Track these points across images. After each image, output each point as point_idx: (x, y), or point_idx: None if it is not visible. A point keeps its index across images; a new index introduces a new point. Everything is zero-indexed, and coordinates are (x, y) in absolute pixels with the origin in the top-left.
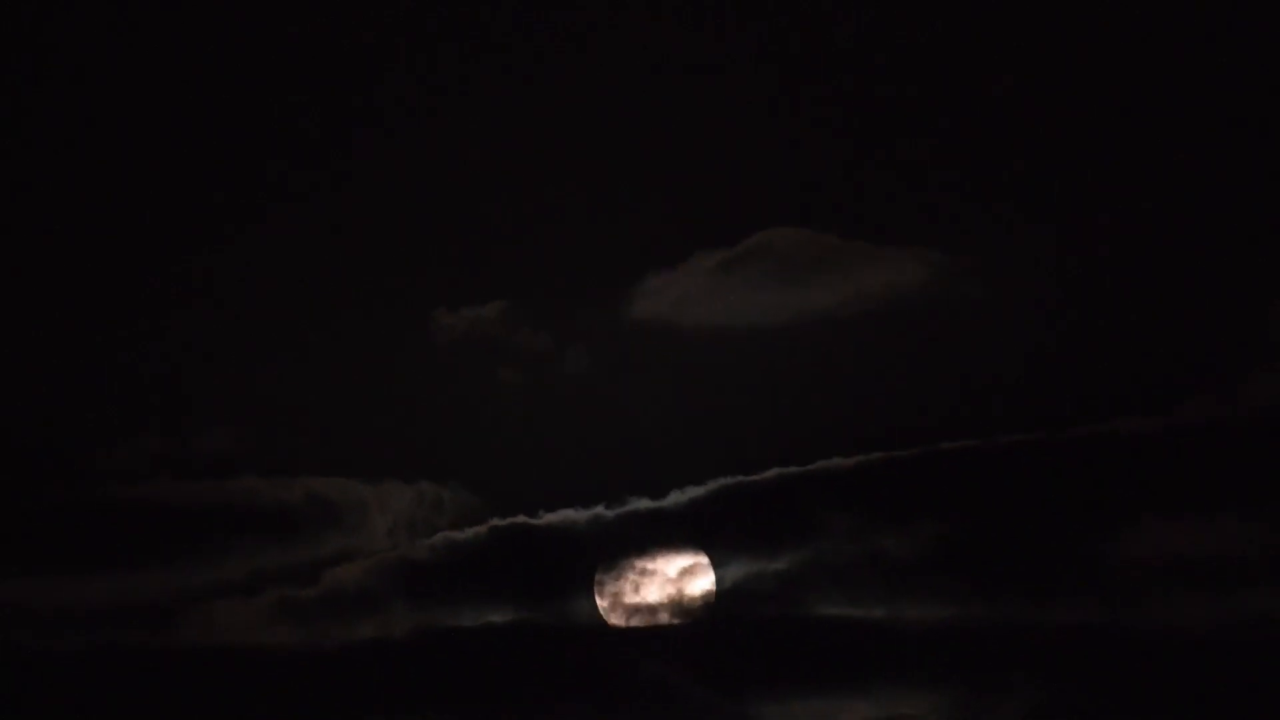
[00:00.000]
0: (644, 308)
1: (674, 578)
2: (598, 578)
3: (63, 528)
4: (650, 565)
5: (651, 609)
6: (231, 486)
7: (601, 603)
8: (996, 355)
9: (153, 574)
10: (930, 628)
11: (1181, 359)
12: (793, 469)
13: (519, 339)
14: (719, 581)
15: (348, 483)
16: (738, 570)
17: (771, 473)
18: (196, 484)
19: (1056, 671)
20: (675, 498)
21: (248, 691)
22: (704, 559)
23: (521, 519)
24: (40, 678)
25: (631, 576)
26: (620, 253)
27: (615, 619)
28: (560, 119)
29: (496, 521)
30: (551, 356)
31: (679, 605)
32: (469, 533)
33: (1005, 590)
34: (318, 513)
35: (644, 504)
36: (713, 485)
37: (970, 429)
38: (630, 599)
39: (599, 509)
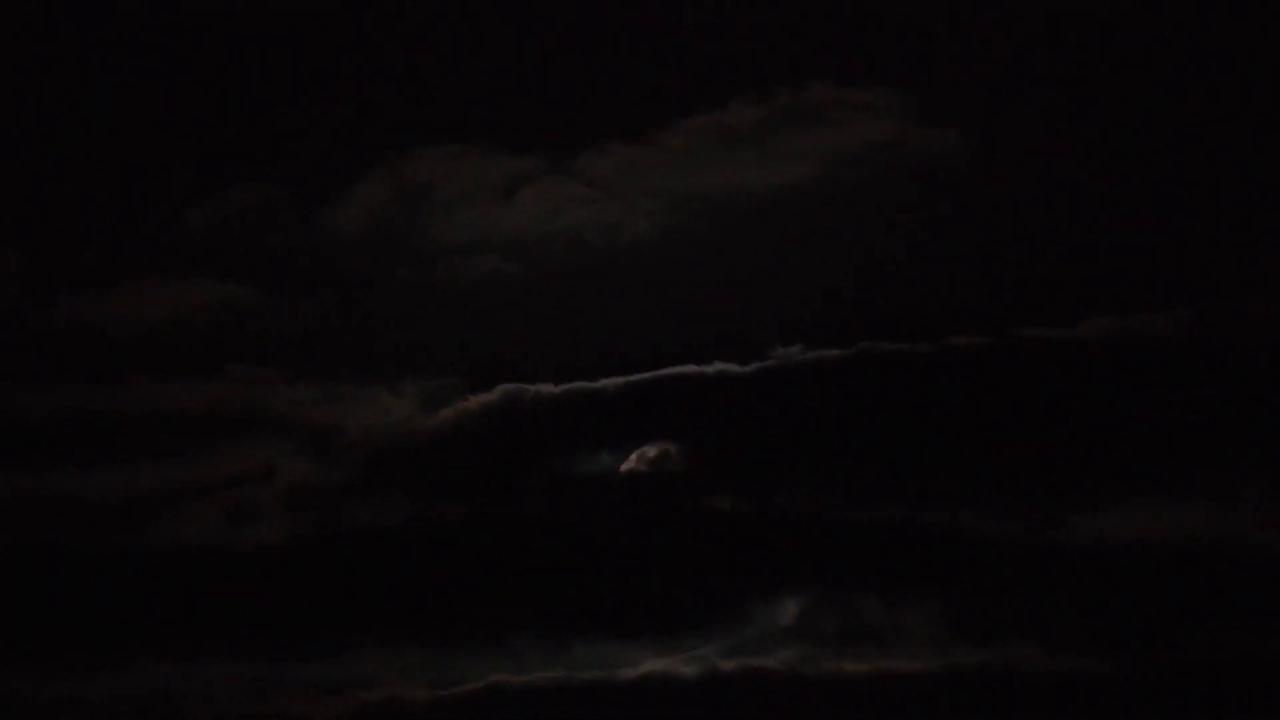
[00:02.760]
0: (606, 170)
1: (632, 464)
2: (558, 463)
3: (48, 428)
4: (604, 453)
5: (604, 497)
6: (206, 387)
7: (556, 493)
8: (956, 247)
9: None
10: (875, 528)
11: (1173, 260)
12: (757, 364)
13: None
14: (675, 476)
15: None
16: (690, 464)
17: (728, 365)
18: (163, 385)
19: (984, 578)
20: (618, 381)
21: (213, 589)
22: (662, 446)
23: (483, 397)
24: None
25: (589, 463)
26: (591, 111)
27: (573, 506)
28: None
29: (469, 400)
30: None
31: (634, 489)
32: (439, 416)
33: (949, 493)
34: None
35: (599, 385)
36: (662, 373)
37: (921, 327)
38: (590, 484)
39: (559, 385)
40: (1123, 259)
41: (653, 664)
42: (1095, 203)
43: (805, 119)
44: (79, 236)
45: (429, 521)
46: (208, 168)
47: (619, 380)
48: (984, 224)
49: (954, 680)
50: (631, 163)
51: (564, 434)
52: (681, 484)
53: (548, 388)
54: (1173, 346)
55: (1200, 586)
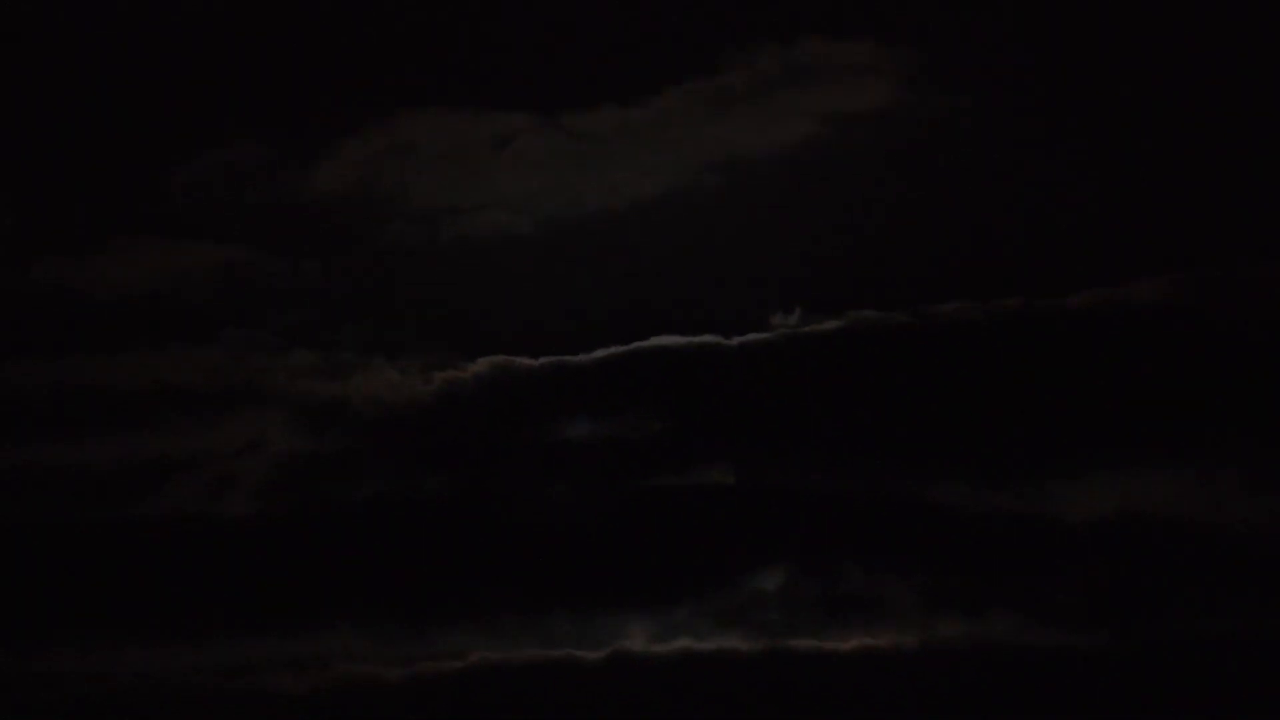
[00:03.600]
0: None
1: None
2: (543, 435)
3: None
4: (589, 424)
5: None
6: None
7: (541, 465)
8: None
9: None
10: (857, 500)
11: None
12: (739, 338)
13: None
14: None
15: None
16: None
17: (714, 336)
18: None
19: (968, 550)
20: (602, 353)
21: (191, 564)
22: (648, 417)
23: (471, 368)
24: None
25: (573, 435)
26: (587, 71)
27: (557, 479)
28: None
29: (460, 370)
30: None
31: (619, 461)
32: (427, 387)
33: (938, 465)
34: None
35: (579, 359)
36: (647, 344)
37: (897, 299)
38: (574, 456)
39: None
40: (1114, 225)
41: (632, 639)
42: (1090, 168)
43: (799, 78)
44: (63, 198)
45: (411, 494)
46: (197, 127)
47: (604, 352)
48: (979, 189)
49: (935, 653)
50: (625, 125)
51: (550, 405)
52: (667, 456)
53: (534, 360)
54: (1162, 314)
55: (1183, 559)
